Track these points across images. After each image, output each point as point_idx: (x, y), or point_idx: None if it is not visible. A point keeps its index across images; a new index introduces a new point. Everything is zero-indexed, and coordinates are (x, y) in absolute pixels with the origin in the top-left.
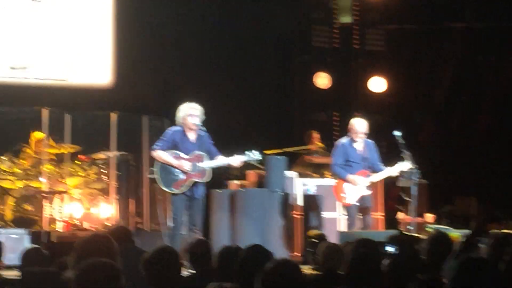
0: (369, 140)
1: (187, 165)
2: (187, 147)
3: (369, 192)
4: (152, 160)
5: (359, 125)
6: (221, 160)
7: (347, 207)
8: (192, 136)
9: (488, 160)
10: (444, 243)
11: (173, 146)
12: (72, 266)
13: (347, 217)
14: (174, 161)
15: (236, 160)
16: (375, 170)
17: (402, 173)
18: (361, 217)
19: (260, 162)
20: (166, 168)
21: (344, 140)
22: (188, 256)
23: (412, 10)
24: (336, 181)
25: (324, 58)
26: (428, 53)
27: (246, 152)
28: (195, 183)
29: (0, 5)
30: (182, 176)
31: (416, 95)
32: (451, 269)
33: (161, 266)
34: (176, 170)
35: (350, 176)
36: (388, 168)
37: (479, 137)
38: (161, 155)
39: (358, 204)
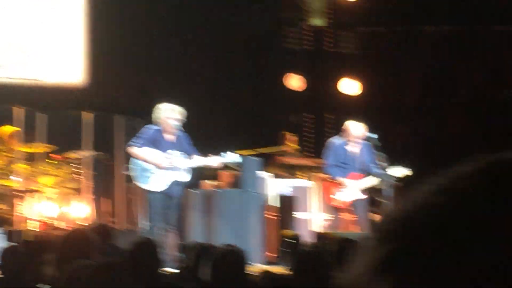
0: (366, 142)
1: (164, 162)
2: (164, 147)
3: (364, 196)
4: (127, 157)
5: (354, 128)
6: (199, 161)
7: (333, 208)
8: (170, 136)
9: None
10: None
11: (151, 144)
12: (53, 263)
13: (332, 218)
14: (151, 159)
15: (214, 161)
16: (371, 173)
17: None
18: (357, 219)
19: (238, 164)
20: (143, 165)
21: (335, 140)
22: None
23: (384, 13)
24: (325, 180)
25: (296, 59)
26: (400, 55)
27: (225, 154)
28: (174, 182)
29: None
30: (158, 174)
31: (388, 97)
32: None
33: (142, 258)
34: (153, 167)
35: (339, 178)
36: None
37: (450, 139)
38: (138, 152)
39: (346, 207)
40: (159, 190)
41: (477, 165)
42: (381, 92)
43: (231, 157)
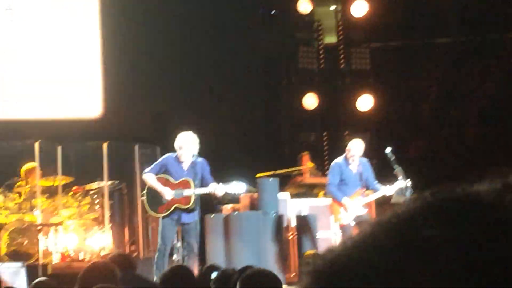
0: (364, 159)
1: (168, 194)
2: (178, 173)
3: (364, 211)
4: (144, 186)
5: (356, 147)
6: (206, 188)
7: (343, 227)
8: (185, 163)
9: (477, 172)
10: None
11: (165, 171)
12: None
13: (341, 236)
14: (159, 186)
15: (220, 190)
16: (370, 189)
17: (398, 190)
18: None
19: (245, 191)
20: (153, 192)
21: (339, 160)
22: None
23: (396, 27)
24: (331, 201)
25: (311, 78)
26: (413, 68)
27: (233, 183)
28: (181, 209)
29: None
30: (165, 201)
31: (403, 111)
32: None
33: (176, 284)
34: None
35: (343, 200)
36: (384, 187)
37: (467, 150)
38: (149, 178)
39: (354, 223)
40: (161, 215)
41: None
42: (396, 107)
43: (237, 187)
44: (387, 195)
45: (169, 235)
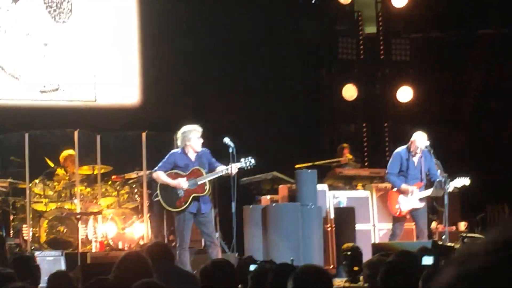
0: (427, 152)
1: (184, 183)
2: (186, 165)
3: (422, 205)
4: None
5: (420, 140)
6: (217, 170)
7: (397, 218)
8: (191, 155)
9: None
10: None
11: (173, 167)
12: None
13: (392, 227)
14: (171, 181)
15: (232, 168)
16: (433, 180)
17: (435, 184)
18: (417, 225)
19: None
20: (167, 189)
21: (401, 150)
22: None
23: (437, 18)
24: (390, 190)
25: (351, 69)
26: (455, 60)
27: (242, 159)
28: (200, 198)
29: (27, 29)
30: (182, 194)
31: (444, 104)
32: None
33: (217, 277)
34: (175, 188)
35: (404, 186)
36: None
37: (509, 143)
38: (160, 175)
39: (408, 216)
40: (181, 209)
41: None
42: (436, 99)
43: (248, 161)
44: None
45: (187, 230)
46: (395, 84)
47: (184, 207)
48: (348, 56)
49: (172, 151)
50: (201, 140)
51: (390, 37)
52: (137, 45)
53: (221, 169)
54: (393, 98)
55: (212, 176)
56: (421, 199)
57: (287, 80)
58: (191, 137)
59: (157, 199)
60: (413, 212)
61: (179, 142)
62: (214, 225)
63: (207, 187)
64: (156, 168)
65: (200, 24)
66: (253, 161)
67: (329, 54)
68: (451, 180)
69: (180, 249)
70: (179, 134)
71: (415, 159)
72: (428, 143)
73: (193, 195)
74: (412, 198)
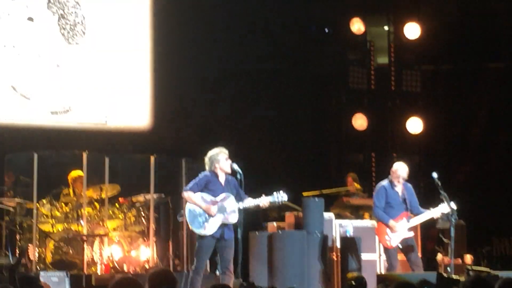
0: (408, 183)
1: (214, 208)
2: (216, 189)
3: (411, 234)
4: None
5: (402, 170)
6: (249, 202)
7: (388, 250)
8: (221, 178)
9: None
10: (483, 286)
11: (204, 188)
12: None
13: (386, 259)
14: (203, 204)
15: (263, 201)
16: (414, 213)
17: (442, 215)
18: (408, 258)
19: (287, 203)
20: (195, 210)
21: (384, 183)
22: None
23: (448, 50)
24: (377, 223)
25: (361, 99)
26: (464, 93)
27: (274, 193)
28: (225, 225)
29: (40, 50)
30: (210, 218)
31: (453, 135)
32: None
33: None
34: (204, 212)
35: (391, 222)
36: (428, 210)
37: None
38: (192, 196)
39: (400, 246)
40: (209, 234)
41: None
42: (445, 130)
43: (280, 196)
44: (434, 217)
45: (207, 255)
46: (405, 115)
47: (212, 232)
48: (359, 86)
49: (204, 173)
50: (229, 161)
51: (401, 68)
52: (149, 68)
53: (253, 202)
54: (402, 129)
55: (242, 206)
56: (409, 229)
57: (296, 107)
58: (219, 159)
59: (181, 219)
60: (402, 244)
61: (207, 167)
62: None
63: (236, 216)
64: (187, 187)
65: (212, 52)
66: (285, 196)
67: (340, 83)
68: (434, 207)
69: (194, 273)
70: (207, 159)
71: (398, 190)
72: (436, 174)
73: (222, 222)
74: (401, 229)
